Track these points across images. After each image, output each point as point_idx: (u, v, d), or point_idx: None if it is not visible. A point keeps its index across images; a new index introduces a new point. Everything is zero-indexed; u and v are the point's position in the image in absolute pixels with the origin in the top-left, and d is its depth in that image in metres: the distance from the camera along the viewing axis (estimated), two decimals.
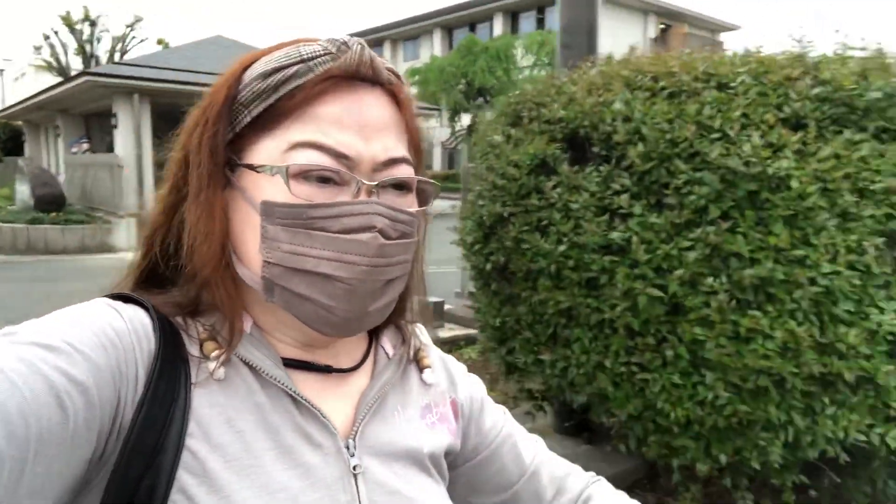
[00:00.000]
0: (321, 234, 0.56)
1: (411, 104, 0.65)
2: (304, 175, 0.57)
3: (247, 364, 0.60)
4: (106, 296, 0.60)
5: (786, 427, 1.92)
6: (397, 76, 0.63)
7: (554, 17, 28.90)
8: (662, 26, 31.24)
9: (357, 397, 0.67)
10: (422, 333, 0.78)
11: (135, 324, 0.56)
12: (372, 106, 0.60)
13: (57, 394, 0.46)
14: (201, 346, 0.59)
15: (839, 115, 1.95)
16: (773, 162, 1.86)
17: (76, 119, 18.19)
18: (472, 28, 33.02)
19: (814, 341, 1.82)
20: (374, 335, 0.74)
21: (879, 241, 1.83)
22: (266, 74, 0.58)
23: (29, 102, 18.41)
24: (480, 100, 26.82)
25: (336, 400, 0.65)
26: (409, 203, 0.63)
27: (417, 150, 0.66)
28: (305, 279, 0.57)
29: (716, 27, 32.79)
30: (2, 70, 31.04)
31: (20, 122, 23.11)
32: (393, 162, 0.60)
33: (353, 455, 0.62)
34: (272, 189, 0.57)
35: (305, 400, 0.61)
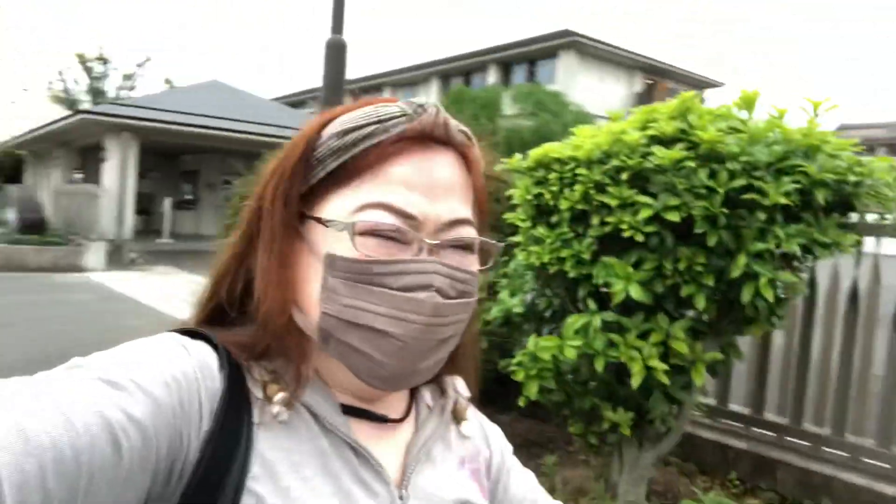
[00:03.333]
0: (380, 291, 0.59)
1: (480, 165, 0.68)
2: (371, 232, 0.60)
3: (308, 409, 0.63)
4: (175, 330, 0.63)
5: None
6: (469, 137, 0.66)
7: (545, 71, 31.31)
8: (649, 82, 33.51)
9: (404, 447, 0.70)
10: (459, 384, 0.80)
11: (201, 361, 0.58)
12: (442, 167, 0.63)
13: (112, 431, 0.47)
14: (264, 388, 0.61)
15: None
16: None
17: (73, 151, 20.54)
18: (468, 77, 35.41)
19: None
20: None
21: None
22: (343, 133, 0.63)
23: (33, 134, 20.90)
24: None
25: (387, 449, 0.68)
26: (471, 263, 0.65)
27: (482, 209, 0.70)
28: (361, 333, 0.59)
29: (700, 83, 34.95)
30: (13, 102, 34.02)
31: (24, 152, 25.69)
32: (457, 223, 0.63)
33: None
34: (338, 244, 0.60)
35: (363, 449, 0.64)
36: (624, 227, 2.39)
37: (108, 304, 9.12)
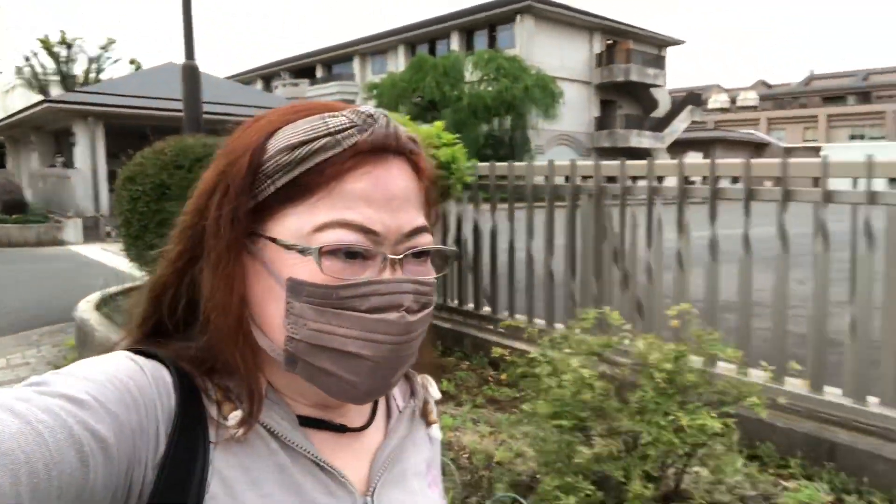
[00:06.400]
0: (349, 314, 0.59)
1: (430, 170, 0.68)
2: (333, 252, 0.59)
3: (264, 427, 0.63)
4: (128, 349, 0.62)
5: None
6: (416, 143, 0.66)
7: (505, 36, 32.84)
8: (609, 42, 35.20)
9: (371, 455, 0.71)
10: (431, 386, 0.81)
11: (157, 381, 0.59)
12: (396, 178, 0.63)
13: (80, 448, 0.48)
14: (219, 406, 0.61)
15: None
16: None
17: (48, 136, 22.44)
18: (432, 45, 36.92)
19: None
20: None
21: None
22: (292, 147, 0.60)
23: (6, 122, 22.81)
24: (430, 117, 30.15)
25: (351, 457, 0.69)
26: (429, 270, 0.66)
27: (433, 215, 0.70)
28: (331, 356, 0.60)
29: (661, 42, 36.59)
30: None
31: (2, 138, 27.56)
32: (415, 232, 0.64)
33: None
34: (300, 267, 0.59)
35: (325, 463, 0.65)
36: None
37: (82, 268, 11.25)
